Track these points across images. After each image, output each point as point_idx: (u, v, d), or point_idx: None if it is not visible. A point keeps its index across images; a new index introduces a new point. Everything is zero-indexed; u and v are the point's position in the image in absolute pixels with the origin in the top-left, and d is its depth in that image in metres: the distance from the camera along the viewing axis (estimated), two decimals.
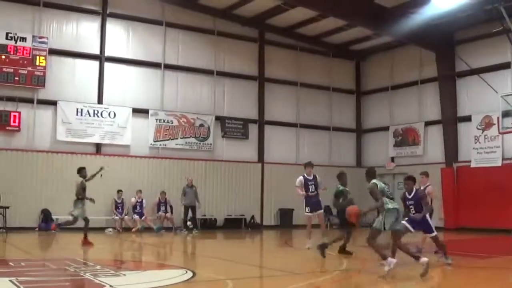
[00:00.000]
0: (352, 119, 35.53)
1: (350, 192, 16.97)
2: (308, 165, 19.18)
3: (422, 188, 16.78)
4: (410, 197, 13.48)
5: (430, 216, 16.30)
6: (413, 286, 11.89)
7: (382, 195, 12.35)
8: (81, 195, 19.26)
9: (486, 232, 25.74)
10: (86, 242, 18.91)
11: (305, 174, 18.87)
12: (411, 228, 13.12)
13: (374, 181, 12.51)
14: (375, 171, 12.88)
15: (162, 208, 26.82)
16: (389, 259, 12.02)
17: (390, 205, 12.31)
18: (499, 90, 26.31)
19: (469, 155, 28.82)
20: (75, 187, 19.47)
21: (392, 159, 33.33)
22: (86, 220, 19.42)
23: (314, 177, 18.87)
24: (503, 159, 27.38)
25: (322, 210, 19.27)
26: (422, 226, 13.53)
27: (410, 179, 13.59)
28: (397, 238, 12.50)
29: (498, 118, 25.41)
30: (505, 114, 24.26)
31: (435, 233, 13.67)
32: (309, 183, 18.76)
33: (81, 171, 19.58)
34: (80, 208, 19.21)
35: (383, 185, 12.61)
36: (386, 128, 33.77)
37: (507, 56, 27.22)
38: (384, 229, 12.36)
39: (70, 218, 19.80)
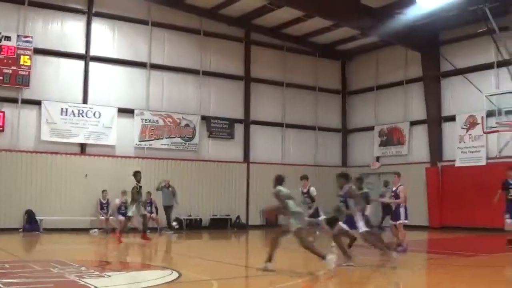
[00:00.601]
0: (338, 119, 35.60)
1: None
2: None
3: (394, 188, 17.59)
4: (341, 194, 14.48)
5: (406, 216, 17.38)
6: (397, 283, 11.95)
7: (288, 198, 13.00)
8: (135, 198, 21.16)
9: (471, 231, 25.86)
10: (145, 237, 21.05)
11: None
12: (345, 227, 14.00)
13: (279, 187, 13.18)
14: (284, 179, 13.52)
15: (148, 208, 26.75)
16: (329, 256, 12.50)
17: (293, 208, 12.91)
18: (483, 90, 26.48)
19: (454, 155, 28.97)
20: (130, 191, 21.54)
21: (377, 158, 33.42)
22: (143, 217, 21.98)
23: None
24: (487, 158, 27.53)
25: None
26: (353, 224, 14.04)
27: (342, 176, 14.35)
28: (302, 236, 12.93)
29: (482, 117, 25.56)
30: (489, 113, 24.44)
31: (365, 229, 13.79)
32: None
33: (136, 175, 21.41)
34: (134, 209, 21.13)
35: (288, 191, 13.25)
36: (371, 128, 33.87)
37: (491, 56, 27.35)
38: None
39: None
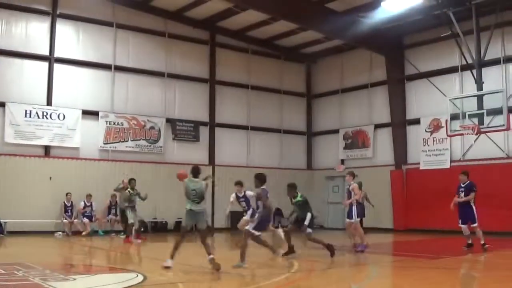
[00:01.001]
0: (303, 121, 35.74)
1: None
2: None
3: (346, 186, 18.08)
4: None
5: (363, 214, 18.25)
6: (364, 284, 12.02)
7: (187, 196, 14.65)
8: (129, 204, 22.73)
9: (436, 233, 26.11)
10: (129, 241, 22.23)
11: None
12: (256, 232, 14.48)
13: (186, 180, 14.68)
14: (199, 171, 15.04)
15: (113, 211, 26.60)
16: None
17: (188, 206, 14.72)
18: (447, 93, 26.77)
19: (418, 158, 29.25)
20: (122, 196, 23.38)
21: (342, 161, 33.59)
22: (142, 222, 24.17)
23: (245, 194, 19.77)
24: (451, 161, 27.84)
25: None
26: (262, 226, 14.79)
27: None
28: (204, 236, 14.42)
29: (446, 121, 25.76)
30: (453, 117, 24.61)
31: (259, 234, 14.47)
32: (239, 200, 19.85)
33: (131, 182, 23.12)
34: (131, 214, 22.67)
35: (191, 186, 14.70)
36: (336, 131, 34.03)
37: (456, 60, 27.64)
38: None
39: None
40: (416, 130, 29.62)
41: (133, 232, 22.77)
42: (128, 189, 22.90)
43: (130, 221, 22.55)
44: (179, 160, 29.99)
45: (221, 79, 32.26)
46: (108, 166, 27.88)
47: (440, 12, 25.07)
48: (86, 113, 27.73)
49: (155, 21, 29.93)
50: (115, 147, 28.47)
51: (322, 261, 15.43)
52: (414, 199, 28.89)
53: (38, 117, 26.41)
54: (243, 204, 19.70)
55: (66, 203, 26.04)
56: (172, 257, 13.63)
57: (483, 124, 23.76)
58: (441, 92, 27.57)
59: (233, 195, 19.74)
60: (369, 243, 18.54)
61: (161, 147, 29.77)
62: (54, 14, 27.34)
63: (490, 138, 25.95)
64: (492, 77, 25.74)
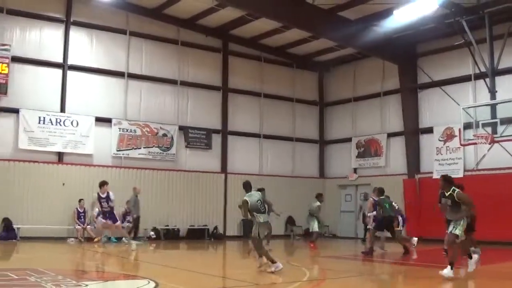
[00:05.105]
0: (315, 130, 35.68)
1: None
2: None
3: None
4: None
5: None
6: None
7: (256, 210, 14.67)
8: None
9: None
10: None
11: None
12: None
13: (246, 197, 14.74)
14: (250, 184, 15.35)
15: (128, 218, 26.61)
16: (277, 263, 14.00)
17: (261, 218, 14.63)
18: (460, 102, 26.68)
19: (431, 167, 29.08)
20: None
21: (355, 170, 33.51)
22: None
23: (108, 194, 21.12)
24: (464, 170, 27.68)
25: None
26: None
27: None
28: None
29: (459, 130, 25.68)
30: (467, 126, 24.54)
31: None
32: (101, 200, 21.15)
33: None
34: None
35: (255, 200, 14.76)
36: (348, 140, 33.97)
37: (469, 68, 27.53)
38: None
39: None
40: (429, 139, 29.48)
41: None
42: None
43: None
44: (192, 168, 30.11)
45: (234, 87, 32.29)
46: (121, 173, 27.95)
47: (453, 20, 24.99)
48: (99, 120, 27.82)
49: (168, 29, 30.03)
50: (128, 154, 28.54)
51: (334, 269, 15.39)
52: (427, 208, 28.65)
53: (52, 124, 26.52)
54: (105, 205, 21.40)
55: (79, 209, 26.08)
56: (273, 261, 14.09)
57: (496, 133, 23.68)
58: (454, 100, 27.49)
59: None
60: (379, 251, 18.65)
61: (174, 154, 29.81)
62: (68, 22, 27.47)
63: (503, 148, 25.81)
64: (506, 86, 25.59)
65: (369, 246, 20.42)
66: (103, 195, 21.25)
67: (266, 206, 16.32)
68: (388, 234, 21.45)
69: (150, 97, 29.63)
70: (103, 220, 22.01)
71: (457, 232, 13.64)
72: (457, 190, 13.94)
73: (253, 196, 14.86)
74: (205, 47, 31.56)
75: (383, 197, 20.93)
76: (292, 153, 34.44)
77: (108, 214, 21.60)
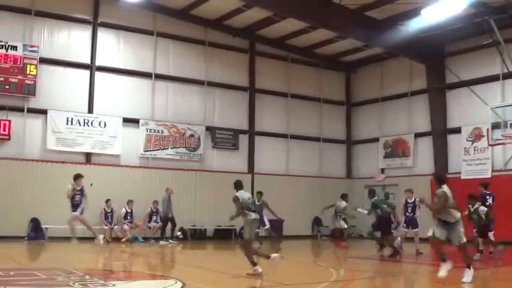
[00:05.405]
0: (342, 130, 35.56)
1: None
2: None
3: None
4: None
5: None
6: None
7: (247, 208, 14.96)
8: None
9: None
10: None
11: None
12: None
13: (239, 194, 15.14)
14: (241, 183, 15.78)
15: (154, 218, 26.68)
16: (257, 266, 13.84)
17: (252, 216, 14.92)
18: (488, 102, 26.48)
19: (459, 167, 28.85)
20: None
21: (382, 170, 33.36)
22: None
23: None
24: (492, 170, 27.44)
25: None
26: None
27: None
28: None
29: (487, 130, 25.51)
30: (495, 126, 24.39)
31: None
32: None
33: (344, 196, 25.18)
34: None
35: (246, 197, 15.31)
36: (376, 140, 33.82)
37: (497, 68, 27.30)
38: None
39: None
40: (457, 139, 29.25)
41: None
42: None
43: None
44: (219, 168, 30.12)
45: (261, 87, 32.29)
46: (148, 174, 28.06)
47: (481, 20, 24.80)
48: (126, 120, 27.97)
49: (195, 30, 30.09)
50: (155, 155, 28.64)
51: (362, 270, 15.34)
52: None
53: (80, 125, 26.71)
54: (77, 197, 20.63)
55: (106, 209, 26.21)
56: (254, 263, 14.05)
57: None
58: (482, 100, 27.25)
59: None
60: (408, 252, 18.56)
61: (201, 154, 29.86)
62: (95, 23, 27.66)
63: None
64: None
65: (394, 247, 20.24)
66: (78, 187, 20.24)
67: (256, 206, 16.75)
68: (410, 234, 21.49)
69: (177, 97, 29.72)
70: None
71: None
72: (441, 189, 13.45)
73: (244, 194, 15.39)
74: (232, 48, 31.60)
75: (376, 198, 21.19)
76: (319, 153, 34.34)
77: (76, 207, 20.54)
